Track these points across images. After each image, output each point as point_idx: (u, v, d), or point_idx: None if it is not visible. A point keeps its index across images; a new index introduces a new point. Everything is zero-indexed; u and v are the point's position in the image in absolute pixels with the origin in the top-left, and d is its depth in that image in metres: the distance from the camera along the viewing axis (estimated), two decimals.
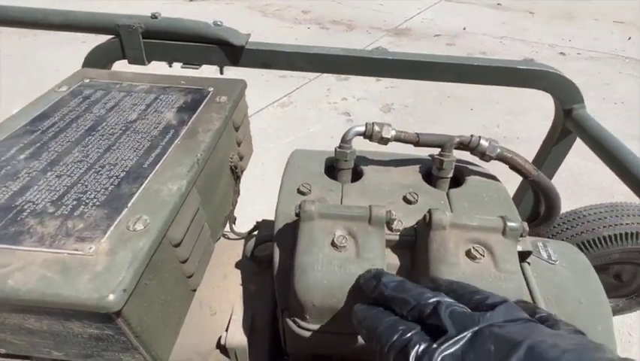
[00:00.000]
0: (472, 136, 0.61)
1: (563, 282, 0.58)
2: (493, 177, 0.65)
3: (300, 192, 0.59)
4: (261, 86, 2.91)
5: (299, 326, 0.48)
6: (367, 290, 0.41)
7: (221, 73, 0.90)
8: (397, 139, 0.62)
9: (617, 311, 1.30)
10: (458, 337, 0.31)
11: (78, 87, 0.68)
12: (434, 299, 0.35)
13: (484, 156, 0.61)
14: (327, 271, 0.46)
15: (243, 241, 0.72)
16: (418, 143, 0.62)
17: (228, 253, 0.70)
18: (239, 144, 0.72)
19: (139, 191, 0.47)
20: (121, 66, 0.87)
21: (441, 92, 2.94)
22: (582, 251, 1.04)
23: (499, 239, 0.47)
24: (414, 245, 0.52)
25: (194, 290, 0.55)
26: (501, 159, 0.62)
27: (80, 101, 0.64)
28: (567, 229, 1.08)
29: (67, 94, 0.66)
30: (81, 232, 0.41)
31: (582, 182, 2.14)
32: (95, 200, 0.45)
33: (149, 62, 0.88)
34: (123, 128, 0.58)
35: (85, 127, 0.58)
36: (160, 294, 0.44)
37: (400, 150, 0.68)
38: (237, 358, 0.59)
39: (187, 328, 0.54)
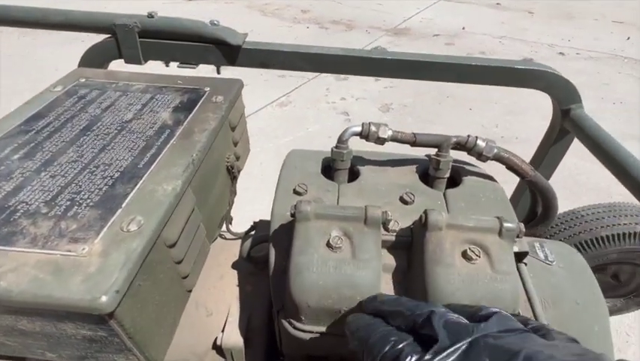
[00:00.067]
0: (468, 136, 0.61)
1: (560, 283, 0.58)
2: (490, 178, 0.65)
3: (296, 192, 0.59)
4: (259, 85, 2.91)
5: (294, 327, 0.48)
6: (364, 306, 0.41)
7: (218, 72, 0.89)
8: (394, 139, 0.62)
9: (614, 311, 1.30)
10: (452, 348, 0.30)
11: (73, 87, 0.68)
12: (428, 309, 0.34)
13: (480, 156, 0.61)
14: (323, 272, 0.45)
15: (239, 241, 0.72)
16: (414, 143, 0.62)
17: (225, 253, 0.69)
18: (235, 144, 0.72)
19: (133, 191, 0.47)
20: (117, 66, 0.87)
21: (440, 91, 2.94)
22: (580, 251, 1.04)
23: (495, 240, 0.47)
24: (410, 246, 0.52)
25: (190, 291, 0.54)
26: (498, 159, 0.61)
27: (75, 100, 0.64)
28: (565, 229, 1.08)
29: (63, 94, 0.66)
30: (74, 232, 0.41)
31: (580, 182, 2.14)
32: (88, 200, 0.45)
33: (145, 61, 0.87)
34: (118, 128, 0.58)
35: (80, 127, 0.58)
36: (154, 295, 0.44)
37: (396, 150, 0.67)
38: (233, 358, 0.59)
39: (183, 328, 0.54)
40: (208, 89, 0.69)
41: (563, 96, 0.85)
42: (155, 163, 0.51)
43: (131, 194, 0.46)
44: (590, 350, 0.29)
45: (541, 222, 0.75)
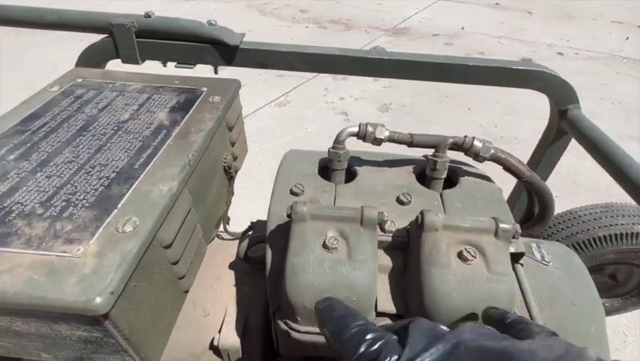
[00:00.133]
0: (465, 137, 0.61)
1: (556, 283, 0.58)
2: (487, 178, 0.65)
3: (292, 192, 0.59)
4: (258, 85, 2.91)
5: (290, 328, 0.48)
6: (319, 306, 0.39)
7: (216, 72, 0.89)
8: (391, 140, 0.62)
9: (612, 311, 1.31)
10: (434, 348, 0.29)
11: (70, 87, 0.68)
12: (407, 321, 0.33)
13: (477, 156, 0.61)
14: (319, 273, 0.45)
15: (237, 241, 0.72)
16: (411, 143, 0.62)
17: (222, 253, 0.69)
18: (233, 145, 0.72)
19: (129, 192, 0.47)
20: (115, 65, 0.87)
21: (439, 91, 2.94)
22: (577, 251, 1.04)
23: (491, 240, 0.47)
24: (406, 246, 0.52)
25: (186, 292, 0.54)
26: (494, 159, 0.61)
27: (72, 100, 0.64)
28: (562, 229, 1.08)
29: (59, 94, 0.65)
30: (69, 233, 0.41)
31: (579, 182, 2.14)
32: (84, 201, 0.45)
33: (142, 61, 0.87)
34: (115, 128, 0.58)
35: (76, 127, 0.58)
36: (150, 296, 0.44)
37: (394, 150, 0.67)
38: (230, 359, 0.59)
39: (180, 329, 0.54)
40: (205, 89, 0.68)
41: (561, 97, 0.85)
42: (151, 164, 0.51)
43: (127, 195, 0.46)
44: (572, 345, 0.28)
45: (538, 223, 0.75)
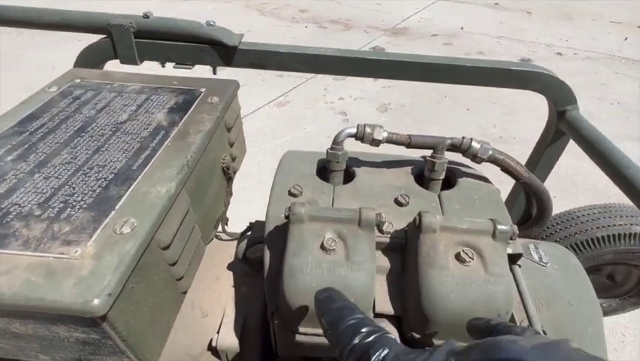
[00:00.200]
0: (463, 138, 0.61)
1: (554, 284, 0.59)
2: (485, 179, 0.65)
3: (291, 193, 0.59)
4: (257, 85, 2.91)
5: (288, 329, 0.48)
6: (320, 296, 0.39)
7: (214, 73, 0.89)
8: (389, 141, 0.62)
9: (610, 312, 1.31)
10: (425, 354, 0.29)
11: (68, 87, 0.68)
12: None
13: (475, 158, 0.61)
14: (317, 274, 0.46)
15: (235, 242, 0.72)
16: (409, 145, 0.62)
17: (221, 254, 0.69)
18: (231, 145, 0.72)
19: (127, 193, 0.47)
20: (113, 66, 0.87)
21: (438, 92, 2.94)
22: (576, 252, 1.04)
23: (488, 242, 0.47)
24: (404, 248, 0.52)
25: (185, 293, 0.54)
26: (492, 161, 0.62)
27: (70, 101, 0.64)
28: (561, 230, 1.08)
29: (57, 94, 0.65)
30: (67, 235, 0.41)
31: (577, 182, 2.15)
32: (82, 202, 0.45)
33: (141, 61, 0.87)
34: (113, 129, 0.58)
35: (74, 128, 0.58)
36: (148, 297, 0.44)
37: (392, 151, 0.67)
38: (228, 360, 0.59)
39: (178, 330, 0.54)
40: (204, 89, 0.68)
41: (559, 98, 0.85)
42: (149, 165, 0.51)
43: (125, 196, 0.46)
44: (554, 339, 0.29)
45: (536, 224, 0.75)
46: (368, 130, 0.61)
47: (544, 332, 0.49)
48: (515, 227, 0.48)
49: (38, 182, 0.48)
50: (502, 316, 0.44)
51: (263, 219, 0.60)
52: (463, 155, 0.62)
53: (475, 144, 0.60)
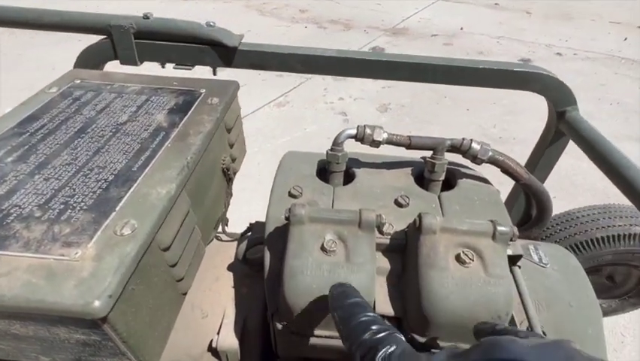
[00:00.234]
0: (463, 139, 0.61)
1: (554, 285, 0.59)
2: (485, 180, 0.65)
3: (291, 195, 0.59)
4: (257, 85, 2.91)
5: (288, 330, 0.48)
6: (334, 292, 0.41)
7: (214, 74, 0.89)
8: (389, 142, 0.62)
9: (610, 312, 1.31)
10: (433, 356, 0.30)
11: (68, 88, 0.68)
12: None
13: (475, 159, 0.61)
14: (317, 276, 0.46)
15: (235, 243, 0.72)
16: (409, 146, 0.62)
17: (221, 255, 0.69)
18: (231, 146, 0.72)
19: (127, 195, 0.47)
20: (113, 67, 0.87)
21: (437, 92, 2.94)
22: (575, 253, 1.05)
23: (488, 243, 0.48)
24: (405, 249, 0.52)
25: (185, 294, 0.54)
26: (492, 162, 0.62)
27: (70, 102, 0.64)
28: (560, 230, 1.09)
29: (57, 95, 0.65)
30: (67, 236, 0.41)
31: (577, 183, 2.15)
32: (82, 204, 0.45)
33: (141, 62, 0.87)
34: (113, 130, 0.58)
35: (74, 129, 0.58)
36: (148, 299, 0.44)
37: (392, 151, 0.67)
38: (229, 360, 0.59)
39: (178, 330, 0.54)
40: (203, 90, 0.68)
41: (558, 98, 0.86)
42: (149, 166, 0.51)
43: (125, 197, 0.46)
44: (555, 339, 0.30)
45: (536, 225, 0.75)
46: (368, 131, 0.61)
47: (544, 333, 0.49)
48: (515, 228, 0.48)
49: (38, 183, 0.48)
50: (502, 317, 0.45)
51: (263, 220, 0.60)
52: (463, 156, 0.62)
53: (475, 145, 0.60)
